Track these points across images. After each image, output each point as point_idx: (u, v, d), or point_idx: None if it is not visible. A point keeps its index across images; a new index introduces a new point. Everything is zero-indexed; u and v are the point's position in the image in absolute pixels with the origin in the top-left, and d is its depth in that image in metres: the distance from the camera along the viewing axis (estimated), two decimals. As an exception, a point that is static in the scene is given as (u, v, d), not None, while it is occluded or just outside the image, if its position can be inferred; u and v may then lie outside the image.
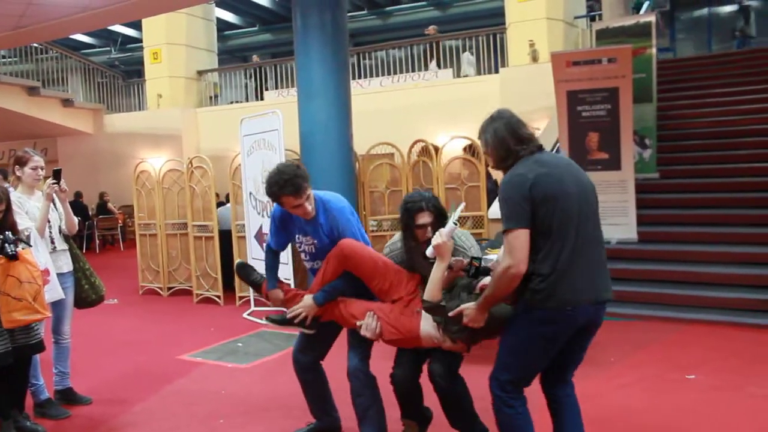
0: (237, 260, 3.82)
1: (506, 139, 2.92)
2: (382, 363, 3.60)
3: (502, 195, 2.80)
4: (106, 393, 4.79)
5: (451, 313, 3.02)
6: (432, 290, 3.10)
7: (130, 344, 6.34)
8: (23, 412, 4.02)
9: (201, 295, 8.14)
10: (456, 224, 3.15)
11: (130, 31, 20.40)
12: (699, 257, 6.92)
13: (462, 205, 3.32)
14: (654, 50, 8.50)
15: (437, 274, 3.11)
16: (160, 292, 8.66)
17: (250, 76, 16.63)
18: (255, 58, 17.31)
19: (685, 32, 17.03)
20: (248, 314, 7.26)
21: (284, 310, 3.69)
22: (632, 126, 7.55)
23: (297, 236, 3.66)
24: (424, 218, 3.29)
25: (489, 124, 3.01)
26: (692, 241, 7.23)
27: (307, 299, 3.52)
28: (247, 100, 16.39)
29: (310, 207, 3.42)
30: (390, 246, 3.58)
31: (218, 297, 7.98)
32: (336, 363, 3.76)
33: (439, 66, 14.06)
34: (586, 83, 7.53)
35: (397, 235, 3.57)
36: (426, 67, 14.18)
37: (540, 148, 2.97)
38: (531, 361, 2.91)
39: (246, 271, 3.86)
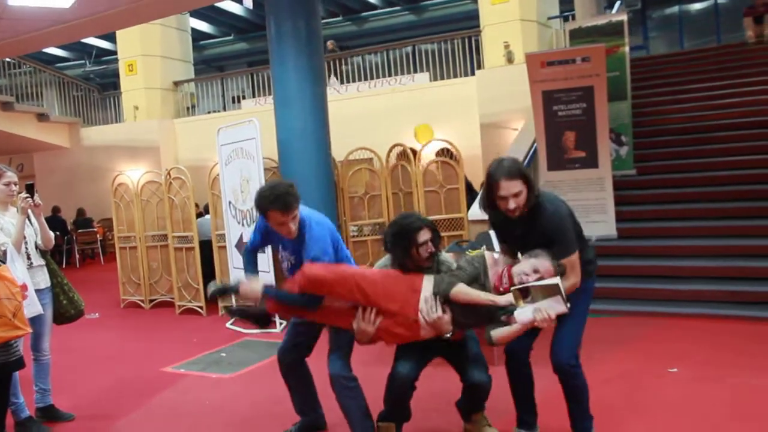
0: (209, 287, 3.64)
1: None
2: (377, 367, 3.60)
3: (567, 225, 3.24)
4: (88, 409, 4.74)
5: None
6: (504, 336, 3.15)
7: (112, 358, 6.28)
8: (4, 431, 3.97)
9: (183, 306, 8.09)
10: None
11: (105, 44, 20.27)
12: (677, 251, 7.01)
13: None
14: (627, 48, 8.60)
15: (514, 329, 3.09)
16: (142, 304, 8.59)
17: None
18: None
19: (657, 30, 17.23)
20: (231, 324, 7.22)
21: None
22: (608, 124, 7.61)
23: (279, 249, 3.68)
24: (425, 235, 3.30)
25: (519, 164, 3.25)
26: (670, 236, 7.31)
27: (256, 285, 3.45)
28: (224, 110, 16.34)
29: (294, 227, 3.42)
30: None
31: (201, 308, 7.93)
32: (322, 359, 3.73)
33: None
34: (561, 83, 7.59)
35: (383, 261, 3.56)
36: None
37: None
38: None
39: (220, 289, 3.72)
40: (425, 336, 3.24)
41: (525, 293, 3.04)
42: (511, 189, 3.09)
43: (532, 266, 3.09)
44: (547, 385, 3.72)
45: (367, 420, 3.51)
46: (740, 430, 3.68)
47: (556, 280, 3.02)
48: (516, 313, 3.02)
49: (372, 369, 3.66)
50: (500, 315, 3.07)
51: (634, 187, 8.25)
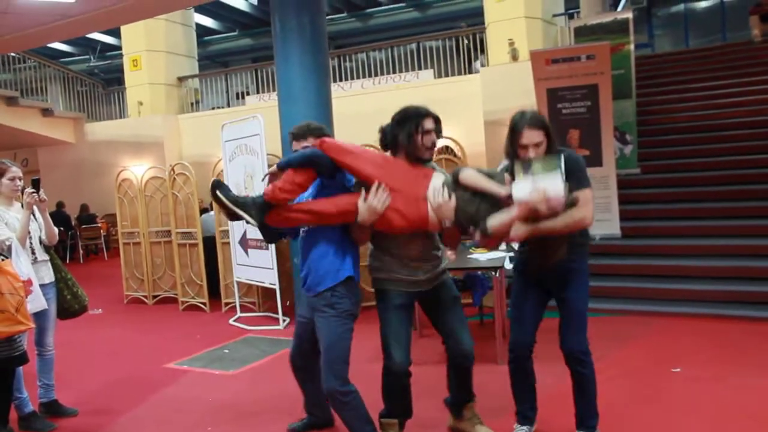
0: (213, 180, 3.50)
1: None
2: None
3: (583, 164, 3.30)
4: (92, 404, 4.75)
5: (494, 224, 3.03)
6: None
7: (115, 354, 6.29)
8: (7, 426, 3.98)
9: (186, 302, 8.10)
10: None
11: (109, 39, 20.26)
12: (681, 251, 6.99)
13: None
14: (632, 46, 8.57)
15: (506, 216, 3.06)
16: (145, 300, 8.61)
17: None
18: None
19: (662, 28, 17.16)
20: (234, 320, 7.23)
21: None
22: (612, 122, 7.60)
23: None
24: (431, 123, 3.37)
25: (542, 116, 3.34)
26: (674, 235, 7.30)
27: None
28: (228, 106, 16.34)
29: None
30: None
31: (204, 304, 7.94)
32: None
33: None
34: (565, 80, 7.57)
35: None
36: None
37: None
38: None
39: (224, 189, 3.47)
40: (431, 222, 3.20)
41: (527, 166, 3.07)
42: (533, 138, 3.17)
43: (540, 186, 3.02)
44: (546, 382, 3.73)
45: (368, 426, 3.48)
46: (743, 430, 3.67)
47: (557, 160, 3.06)
48: (514, 188, 3.02)
49: (375, 366, 3.64)
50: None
51: (638, 186, 8.23)
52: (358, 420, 3.45)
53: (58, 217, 13.08)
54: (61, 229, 12.68)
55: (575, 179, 3.13)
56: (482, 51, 13.25)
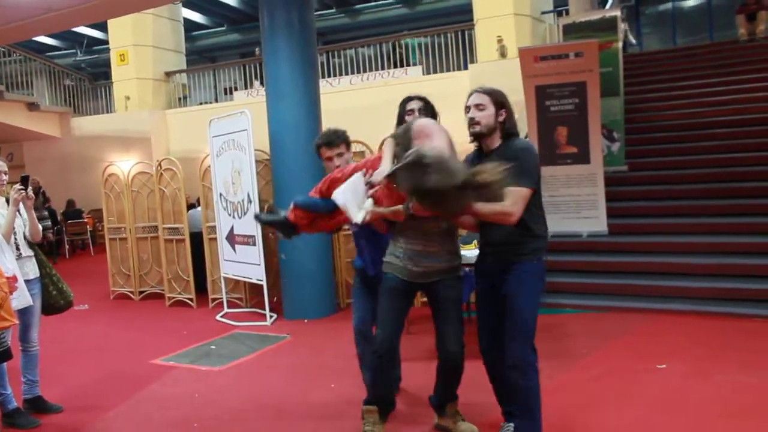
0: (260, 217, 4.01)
1: (510, 118, 3.30)
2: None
3: (526, 156, 3.16)
4: (77, 400, 4.71)
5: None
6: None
7: (101, 350, 6.26)
8: (-9, 422, 3.95)
9: (173, 298, 8.06)
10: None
11: (96, 33, 20.11)
12: (668, 248, 7.03)
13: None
14: (620, 44, 8.61)
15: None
16: (132, 296, 8.56)
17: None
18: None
19: (650, 26, 17.25)
20: (221, 316, 7.21)
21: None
22: (600, 120, 7.63)
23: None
24: (414, 104, 3.82)
25: (501, 92, 3.35)
26: (661, 232, 7.33)
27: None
28: (216, 101, 16.26)
29: (338, 162, 3.82)
30: None
31: (191, 300, 7.91)
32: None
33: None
34: (553, 78, 7.60)
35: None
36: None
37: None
38: (535, 319, 3.25)
39: (268, 219, 3.97)
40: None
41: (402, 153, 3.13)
42: (476, 100, 3.29)
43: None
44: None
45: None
46: (727, 427, 3.69)
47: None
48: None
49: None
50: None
51: (625, 184, 8.27)
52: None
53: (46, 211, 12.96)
54: (52, 230, 12.62)
55: (514, 171, 2.93)
56: (471, 47, 13.25)
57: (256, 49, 17.90)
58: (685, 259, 6.74)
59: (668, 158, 8.57)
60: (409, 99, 3.86)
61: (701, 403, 4.04)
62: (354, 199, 3.33)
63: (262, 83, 15.33)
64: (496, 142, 3.26)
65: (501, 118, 3.24)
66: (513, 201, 3.03)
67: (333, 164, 3.83)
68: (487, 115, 3.24)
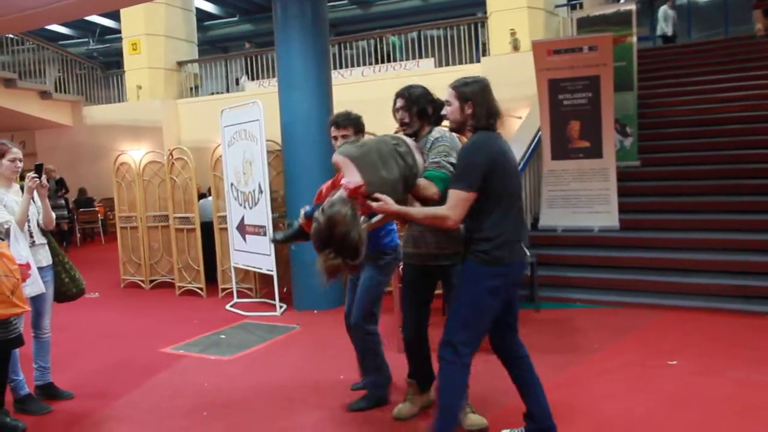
0: (274, 236, 3.94)
1: (489, 104, 3.17)
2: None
3: (465, 156, 3.07)
4: (87, 387, 4.74)
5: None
6: None
7: (112, 338, 6.29)
8: (3, 408, 3.97)
9: (183, 287, 8.09)
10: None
11: (109, 22, 20.16)
12: (680, 244, 6.98)
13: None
14: (634, 38, 8.55)
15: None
16: (142, 285, 8.60)
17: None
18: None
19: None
20: (231, 306, 7.23)
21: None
22: (613, 114, 7.59)
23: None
24: (397, 103, 3.66)
25: (476, 83, 3.22)
26: (673, 228, 7.29)
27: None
28: (228, 91, 16.28)
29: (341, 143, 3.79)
30: None
31: (201, 289, 7.93)
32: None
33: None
34: (567, 71, 7.56)
35: None
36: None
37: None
38: (479, 319, 3.13)
39: (285, 235, 3.89)
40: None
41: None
42: (444, 96, 3.32)
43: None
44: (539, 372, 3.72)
45: (378, 374, 4.07)
46: (738, 424, 3.67)
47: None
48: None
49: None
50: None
51: (637, 179, 8.23)
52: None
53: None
54: (66, 218, 12.69)
55: (454, 172, 3.13)
56: (483, 40, 13.19)
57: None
58: (696, 256, 6.70)
59: (681, 154, 8.51)
60: (396, 96, 3.71)
61: (712, 399, 4.02)
62: None
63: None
64: (467, 136, 3.25)
65: (468, 112, 3.17)
66: (450, 204, 3.01)
67: (337, 144, 3.90)
68: (452, 111, 3.24)
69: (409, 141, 3.30)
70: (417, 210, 3.13)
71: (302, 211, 3.54)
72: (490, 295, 3.09)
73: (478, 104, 3.15)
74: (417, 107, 3.52)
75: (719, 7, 15.65)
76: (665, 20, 13.60)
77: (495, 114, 3.17)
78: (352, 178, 3.03)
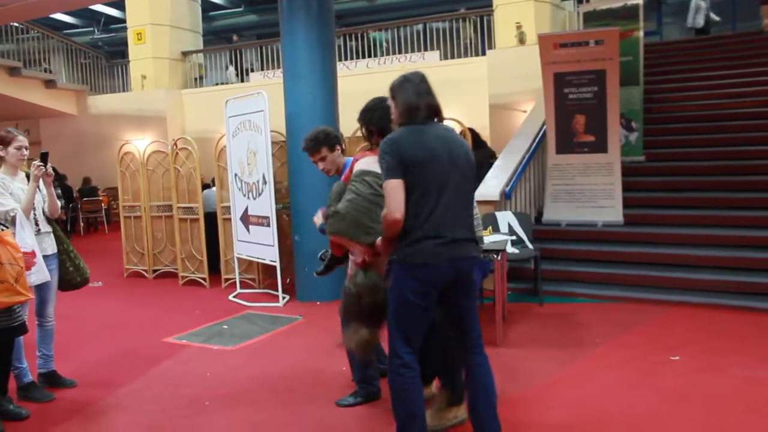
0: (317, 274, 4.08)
1: (412, 104, 3.09)
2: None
3: (381, 149, 2.99)
4: (90, 376, 4.75)
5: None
6: None
7: (115, 327, 6.30)
8: (6, 396, 3.99)
9: (186, 277, 8.10)
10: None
11: (114, 11, 20.12)
12: (684, 240, 6.96)
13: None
14: (641, 33, 8.51)
15: None
16: (145, 274, 8.61)
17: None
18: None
19: (672, 16, 17.02)
20: (234, 296, 7.23)
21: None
22: (619, 109, 7.56)
23: None
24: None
25: (404, 83, 3.20)
26: (677, 224, 7.27)
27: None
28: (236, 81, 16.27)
29: (322, 166, 4.04)
30: None
31: (204, 279, 7.94)
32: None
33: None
34: (573, 65, 7.53)
35: None
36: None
37: (430, 118, 3.11)
38: (406, 318, 3.02)
39: (326, 267, 4.03)
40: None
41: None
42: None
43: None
44: (546, 368, 3.72)
45: (369, 371, 4.02)
46: (741, 421, 3.67)
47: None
48: None
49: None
50: None
51: (642, 174, 8.20)
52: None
53: (61, 189, 13.03)
54: (69, 205, 12.69)
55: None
56: (489, 33, 13.14)
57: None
58: (701, 252, 6.68)
59: (686, 149, 8.48)
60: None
61: (715, 396, 4.01)
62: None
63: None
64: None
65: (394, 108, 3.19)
66: (386, 201, 2.93)
67: (319, 168, 4.06)
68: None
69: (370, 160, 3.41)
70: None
71: (320, 212, 3.70)
72: (408, 296, 3.00)
73: (395, 102, 3.15)
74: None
75: (727, 3, 15.58)
76: (697, 12, 13.22)
77: (412, 108, 3.07)
78: (355, 250, 3.32)
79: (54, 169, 11.25)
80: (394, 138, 3.00)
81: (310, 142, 3.99)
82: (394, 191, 2.88)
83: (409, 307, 3.00)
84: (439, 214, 2.93)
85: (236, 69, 16.20)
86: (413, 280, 2.95)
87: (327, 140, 3.98)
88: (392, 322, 3.06)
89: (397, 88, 3.16)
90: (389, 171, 2.91)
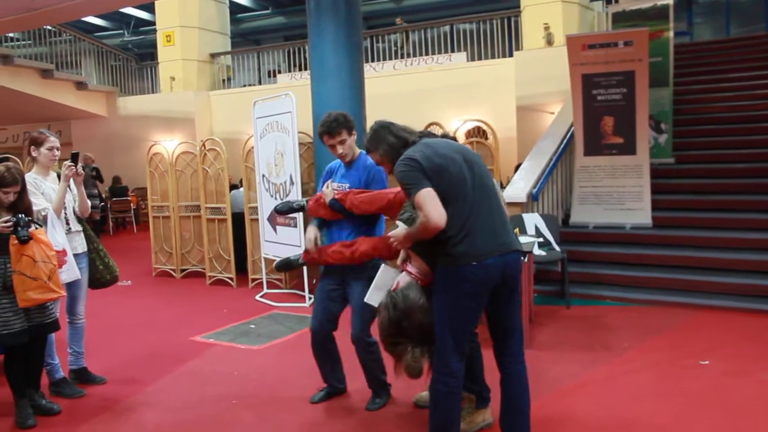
0: (275, 263, 4.23)
1: (394, 146, 3.20)
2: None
3: (398, 171, 2.97)
4: (119, 373, 4.82)
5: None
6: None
7: (143, 325, 6.38)
8: (39, 391, 4.06)
9: (214, 277, 8.18)
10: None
11: (143, 14, 20.37)
12: (713, 243, 6.87)
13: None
14: (671, 33, 8.41)
15: None
16: (173, 274, 8.71)
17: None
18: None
19: (702, 16, 16.80)
20: (261, 296, 7.29)
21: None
22: (648, 110, 7.48)
23: (337, 183, 3.99)
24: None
25: (375, 138, 3.29)
26: (707, 227, 7.17)
27: (310, 234, 3.96)
28: (260, 83, 16.39)
29: (341, 150, 3.85)
30: None
31: (231, 279, 8.01)
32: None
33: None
34: (601, 66, 7.47)
35: None
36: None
37: (423, 135, 3.22)
38: (459, 324, 3.00)
39: (285, 263, 4.17)
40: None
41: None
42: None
43: None
44: (570, 371, 3.69)
45: (383, 375, 4.01)
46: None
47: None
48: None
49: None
50: None
51: (671, 176, 8.10)
52: (377, 365, 4.05)
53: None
54: (97, 208, 12.84)
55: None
56: (516, 34, 13.08)
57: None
58: (730, 255, 6.58)
59: (717, 151, 8.35)
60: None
61: (743, 401, 3.95)
62: (384, 287, 3.36)
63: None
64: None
65: (386, 158, 3.30)
66: (425, 211, 2.91)
67: (336, 152, 3.86)
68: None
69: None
70: (407, 231, 3.11)
71: (329, 185, 3.89)
72: (461, 299, 3.03)
73: (384, 149, 3.24)
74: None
75: (759, 2, 15.34)
76: None
77: (400, 138, 3.20)
78: (416, 263, 3.20)
79: (97, 170, 11.39)
80: (408, 155, 2.99)
81: (333, 123, 3.81)
82: (431, 199, 2.84)
83: (462, 311, 2.98)
84: (476, 213, 2.94)
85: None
86: (465, 282, 2.92)
87: (347, 123, 3.85)
88: (444, 331, 2.99)
89: (371, 141, 3.30)
90: (417, 182, 2.88)
